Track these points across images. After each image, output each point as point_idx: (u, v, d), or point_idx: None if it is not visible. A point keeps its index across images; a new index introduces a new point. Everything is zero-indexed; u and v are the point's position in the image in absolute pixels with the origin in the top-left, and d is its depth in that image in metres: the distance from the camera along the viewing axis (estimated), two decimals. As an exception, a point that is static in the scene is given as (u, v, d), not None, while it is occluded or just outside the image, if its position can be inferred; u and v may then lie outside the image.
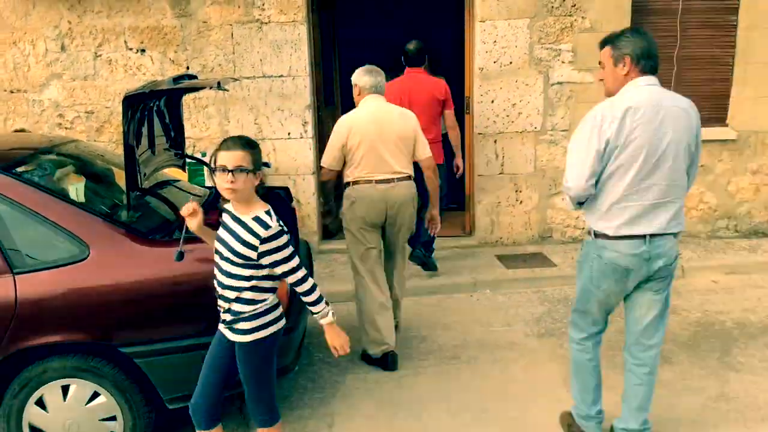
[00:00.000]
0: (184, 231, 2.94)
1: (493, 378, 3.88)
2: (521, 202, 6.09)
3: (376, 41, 8.74)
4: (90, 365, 2.92)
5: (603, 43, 2.88)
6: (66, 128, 5.84)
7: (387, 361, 4.01)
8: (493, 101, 5.88)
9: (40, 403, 2.95)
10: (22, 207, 2.92)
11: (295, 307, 3.25)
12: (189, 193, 3.77)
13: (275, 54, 5.70)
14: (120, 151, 5.51)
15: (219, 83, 3.23)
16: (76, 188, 3.39)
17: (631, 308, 2.96)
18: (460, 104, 6.24)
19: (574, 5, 5.73)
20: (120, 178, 3.75)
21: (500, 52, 5.80)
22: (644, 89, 2.73)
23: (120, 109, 5.68)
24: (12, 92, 5.79)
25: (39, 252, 2.92)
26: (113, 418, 2.99)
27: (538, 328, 4.56)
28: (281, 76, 5.75)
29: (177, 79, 3.28)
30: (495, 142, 5.96)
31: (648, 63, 2.74)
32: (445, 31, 8.38)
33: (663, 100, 2.70)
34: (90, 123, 5.84)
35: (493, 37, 5.78)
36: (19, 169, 3.11)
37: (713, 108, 6.13)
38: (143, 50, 5.73)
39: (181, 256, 2.87)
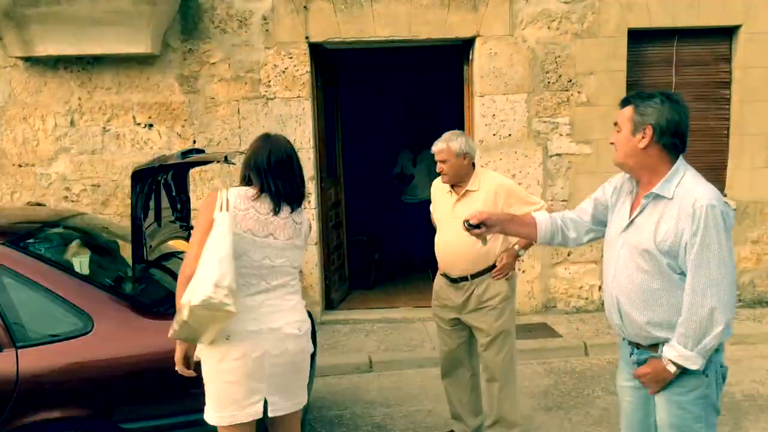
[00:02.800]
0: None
1: (500, 453, 3.79)
2: (524, 271, 6.09)
3: (377, 114, 8.96)
4: (90, 442, 2.86)
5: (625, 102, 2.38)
6: (72, 201, 5.91)
7: None
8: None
9: (38, 481, 2.87)
10: (27, 280, 2.93)
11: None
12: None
13: (280, 128, 5.83)
14: (125, 223, 5.58)
15: (226, 157, 3.29)
16: (81, 261, 3.40)
17: None
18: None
19: (570, 80, 5.90)
20: (125, 251, 3.78)
21: (499, 125, 5.93)
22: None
23: (126, 182, 5.82)
24: (20, 166, 5.89)
25: (42, 325, 2.91)
26: (111, 497, 2.90)
27: (545, 401, 4.48)
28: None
29: (185, 154, 3.34)
30: (496, 212, 6.01)
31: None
32: (444, 105, 8.58)
33: None
34: (96, 196, 5.91)
35: (492, 111, 5.92)
36: (26, 242, 3.14)
37: (712, 179, 6.04)
38: (151, 125, 5.86)
39: (185, 329, 2.86)
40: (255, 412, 2.54)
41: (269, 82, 5.82)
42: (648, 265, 2.26)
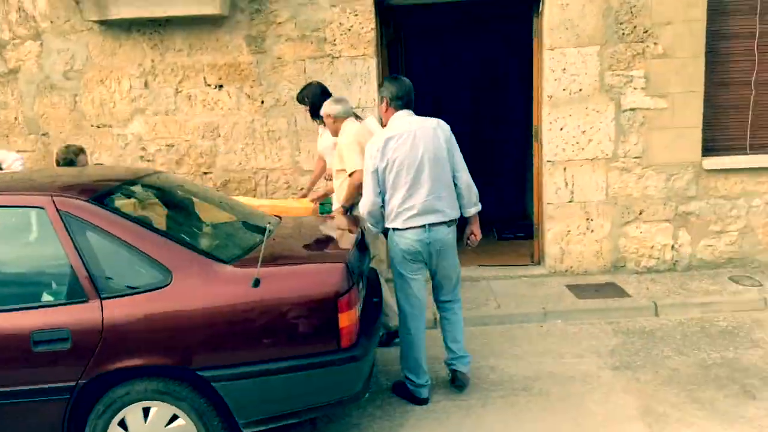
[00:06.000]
0: (260, 258, 3.04)
1: (565, 411, 3.80)
2: (592, 230, 5.97)
3: (442, 70, 8.85)
4: (170, 388, 3.02)
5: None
6: (148, 161, 6.13)
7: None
8: (562, 129, 5.84)
9: (122, 424, 3.06)
10: (110, 234, 3.08)
11: (365, 333, 3.29)
12: (258, 221, 3.88)
13: (345, 87, 5.84)
14: (198, 182, 5.77)
15: None
16: (159, 217, 3.56)
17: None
18: (529, 132, 6.23)
19: (646, 31, 5.65)
20: (199, 208, 3.92)
21: (570, 80, 5.76)
22: (399, 120, 3.81)
23: (198, 141, 5.99)
24: (98, 127, 6.14)
25: (124, 278, 3.06)
26: (191, 441, 3.07)
27: (612, 360, 4.44)
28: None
29: None
30: (565, 169, 5.89)
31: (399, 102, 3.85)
32: (512, 59, 8.38)
33: (414, 125, 3.76)
34: (170, 156, 6.11)
35: (562, 65, 5.75)
36: (107, 199, 3.29)
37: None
38: (221, 86, 5.98)
39: (257, 282, 2.97)
40: None
41: (335, 40, 5.82)
42: None
